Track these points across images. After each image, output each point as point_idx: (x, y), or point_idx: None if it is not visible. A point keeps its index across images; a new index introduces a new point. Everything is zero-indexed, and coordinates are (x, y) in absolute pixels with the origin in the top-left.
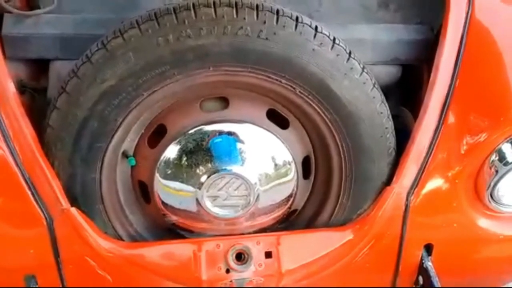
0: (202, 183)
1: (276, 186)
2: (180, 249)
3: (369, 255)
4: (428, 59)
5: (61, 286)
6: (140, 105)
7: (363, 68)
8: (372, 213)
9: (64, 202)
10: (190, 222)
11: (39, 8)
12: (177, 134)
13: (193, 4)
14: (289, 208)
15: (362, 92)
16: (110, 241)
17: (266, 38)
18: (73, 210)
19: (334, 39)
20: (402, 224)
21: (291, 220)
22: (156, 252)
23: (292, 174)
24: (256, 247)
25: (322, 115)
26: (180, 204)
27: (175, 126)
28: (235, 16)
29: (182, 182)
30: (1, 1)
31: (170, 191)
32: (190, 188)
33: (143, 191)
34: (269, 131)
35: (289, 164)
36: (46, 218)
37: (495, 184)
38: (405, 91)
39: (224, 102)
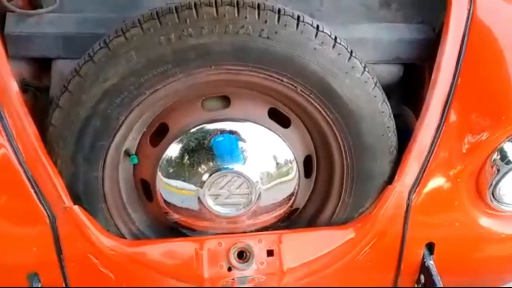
0: (204, 182)
1: (277, 185)
2: (182, 247)
3: (371, 253)
4: (430, 58)
5: (64, 284)
6: (142, 104)
7: (364, 67)
8: (374, 211)
9: (67, 200)
10: (192, 220)
11: (41, 7)
12: (179, 133)
13: (195, 3)
14: (291, 206)
15: (364, 91)
16: (112, 239)
17: (268, 37)
18: (76, 208)
19: (336, 38)
20: (404, 222)
21: (292, 219)
22: (158, 250)
23: (293, 173)
24: (258, 245)
25: (324, 114)
26: (182, 202)
27: (177, 124)
28: (236, 15)
29: (184, 180)
30: (4, 0)
31: (172, 190)
32: (192, 186)
33: (145, 190)
34: (270, 129)
35: (291, 163)
36: (48, 216)
37: (497, 183)
38: (407, 90)
39: (226, 101)
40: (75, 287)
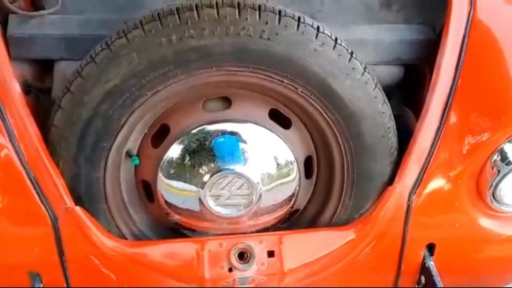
0: (205, 183)
1: (278, 186)
2: (183, 248)
3: (371, 254)
4: (430, 59)
5: (65, 284)
6: (143, 105)
7: (365, 68)
8: (374, 212)
9: (69, 201)
10: (193, 221)
11: (43, 9)
12: (180, 134)
13: (196, 5)
14: (291, 207)
15: (364, 92)
16: (114, 240)
17: (268, 38)
18: (78, 209)
19: (336, 39)
20: (404, 223)
21: (293, 220)
22: (159, 251)
23: (294, 174)
24: (258, 246)
25: (324, 115)
26: (183, 203)
27: (178, 126)
28: (237, 16)
29: (185, 181)
30: (6, 2)
31: (173, 191)
32: (193, 187)
33: (147, 191)
34: (271, 131)
35: (291, 164)
36: (50, 217)
37: (497, 184)
38: (407, 91)
39: (227, 102)
40: (76, 287)
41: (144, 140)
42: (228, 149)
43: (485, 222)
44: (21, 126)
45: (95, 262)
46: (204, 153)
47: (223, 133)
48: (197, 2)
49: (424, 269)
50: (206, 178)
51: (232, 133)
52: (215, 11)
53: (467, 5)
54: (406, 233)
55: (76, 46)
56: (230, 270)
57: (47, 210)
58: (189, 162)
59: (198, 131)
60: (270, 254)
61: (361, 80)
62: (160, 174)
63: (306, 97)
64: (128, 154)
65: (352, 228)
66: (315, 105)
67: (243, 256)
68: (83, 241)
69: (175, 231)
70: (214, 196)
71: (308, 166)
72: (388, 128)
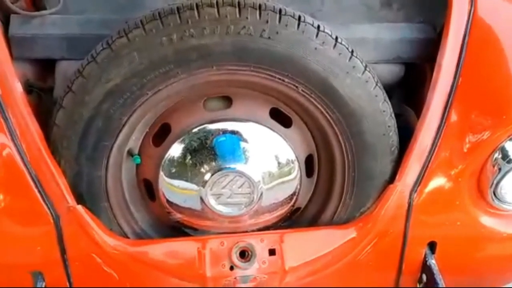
0: (206, 181)
1: (279, 184)
2: (184, 246)
3: (372, 253)
4: (431, 57)
5: (67, 283)
6: (144, 104)
7: (365, 67)
8: (375, 211)
9: (70, 200)
10: (194, 220)
11: (45, 9)
12: (181, 133)
13: (196, 4)
14: (293, 206)
15: (365, 90)
16: (115, 239)
17: (269, 37)
18: (79, 207)
19: (337, 38)
20: (405, 222)
21: (294, 218)
22: (161, 250)
23: (295, 173)
24: (259, 244)
25: (325, 113)
26: (185, 202)
27: (179, 125)
28: (237, 15)
29: (186, 180)
30: (8, 2)
31: (175, 189)
32: (194, 186)
33: (148, 189)
34: (272, 129)
35: (292, 163)
36: (52, 216)
37: (498, 182)
38: (408, 89)
39: (228, 101)
40: (78, 286)
41: (146, 139)
42: (229, 148)
43: (486, 220)
44: (23, 125)
45: (97, 261)
46: (205, 152)
47: (224, 132)
48: (198, 1)
49: (426, 268)
50: (207, 177)
51: (233, 132)
52: (216, 10)
53: (467, 4)
54: (407, 231)
55: (77, 45)
56: (232, 268)
57: (49, 209)
58: (190, 161)
59: (199, 130)
60: (271, 252)
61: (362, 78)
62: (161, 173)
63: (307, 96)
64: (130, 153)
65: (353, 226)
66: (316, 104)
67: (244, 254)
68: (85, 240)
69: (177, 230)
70: (215, 195)
71: (309, 165)
72: (388, 126)
